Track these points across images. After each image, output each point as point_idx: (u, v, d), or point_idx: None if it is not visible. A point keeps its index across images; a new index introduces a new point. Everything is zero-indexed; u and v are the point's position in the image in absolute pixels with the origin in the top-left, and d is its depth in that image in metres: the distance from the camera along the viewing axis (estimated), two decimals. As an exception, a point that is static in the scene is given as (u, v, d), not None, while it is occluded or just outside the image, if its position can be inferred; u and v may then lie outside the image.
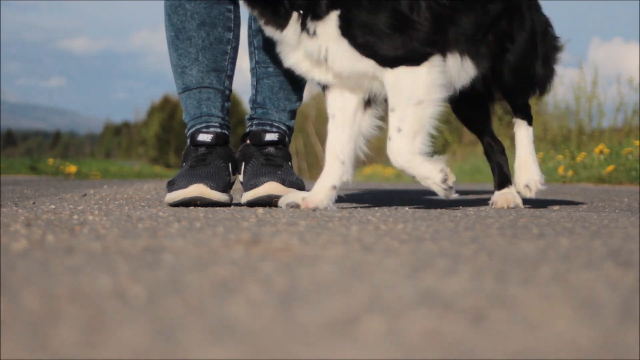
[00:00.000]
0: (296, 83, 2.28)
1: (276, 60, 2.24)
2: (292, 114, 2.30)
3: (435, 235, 1.30)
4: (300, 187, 2.13)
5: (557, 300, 0.72)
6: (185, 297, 0.72)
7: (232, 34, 2.27)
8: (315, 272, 0.87)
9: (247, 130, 2.31)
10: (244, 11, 2.24)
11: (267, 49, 2.26)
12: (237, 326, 0.60)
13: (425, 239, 1.24)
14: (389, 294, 0.75)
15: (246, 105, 2.39)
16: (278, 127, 2.27)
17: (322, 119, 32.42)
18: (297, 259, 0.99)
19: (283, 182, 2.09)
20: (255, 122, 2.29)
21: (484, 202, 2.52)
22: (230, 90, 2.31)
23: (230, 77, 2.30)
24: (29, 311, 0.65)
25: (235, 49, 2.29)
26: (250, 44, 2.30)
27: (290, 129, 2.31)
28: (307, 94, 33.87)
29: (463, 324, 0.62)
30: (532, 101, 2.26)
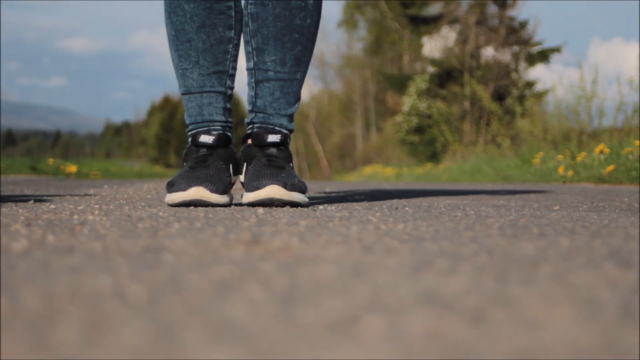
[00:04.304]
0: (295, 85, 2.27)
1: (275, 63, 2.23)
2: (292, 117, 2.30)
3: (435, 235, 1.30)
4: (302, 189, 2.12)
5: (557, 300, 0.72)
6: (185, 297, 0.72)
7: (233, 31, 2.25)
8: (315, 272, 0.87)
9: (248, 132, 2.30)
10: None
11: (266, 51, 2.24)
12: (237, 326, 0.60)
13: (425, 239, 1.24)
14: (389, 294, 0.75)
15: (247, 104, 2.37)
16: (280, 131, 2.26)
17: (322, 119, 32.48)
18: (297, 259, 0.99)
19: (285, 186, 2.09)
20: (256, 126, 2.28)
21: (484, 202, 2.53)
22: (232, 89, 2.30)
23: (232, 76, 2.28)
24: (29, 311, 0.65)
25: (237, 46, 2.27)
26: (247, 43, 2.27)
27: (291, 131, 2.30)
28: (307, 93, 33.92)
29: (463, 324, 0.62)
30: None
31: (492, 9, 21.08)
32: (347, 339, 0.57)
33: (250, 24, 2.24)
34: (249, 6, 2.24)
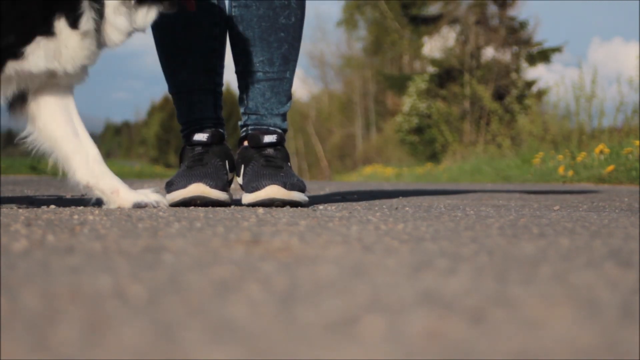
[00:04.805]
0: (285, 84, 2.26)
1: (263, 63, 2.23)
2: (285, 116, 2.29)
3: (435, 235, 1.30)
4: (302, 188, 2.12)
5: (557, 300, 0.72)
6: (185, 297, 0.72)
7: (218, 28, 2.25)
8: (315, 272, 0.87)
9: (243, 134, 2.30)
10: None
11: (253, 53, 2.23)
12: (237, 326, 0.60)
13: (425, 239, 1.24)
14: (389, 294, 0.75)
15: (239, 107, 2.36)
16: (275, 130, 2.26)
17: (322, 119, 32.46)
18: (297, 259, 0.99)
19: (284, 185, 2.09)
20: (250, 127, 2.27)
21: (484, 202, 2.53)
22: (222, 85, 2.30)
23: (220, 74, 2.29)
24: (29, 311, 0.65)
25: (222, 43, 2.26)
26: (234, 46, 2.26)
27: (285, 130, 2.30)
28: (307, 93, 33.84)
29: (463, 324, 0.62)
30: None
31: (492, 9, 21.08)
32: (347, 339, 0.57)
33: (235, 27, 2.24)
34: (232, 9, 2.24)
